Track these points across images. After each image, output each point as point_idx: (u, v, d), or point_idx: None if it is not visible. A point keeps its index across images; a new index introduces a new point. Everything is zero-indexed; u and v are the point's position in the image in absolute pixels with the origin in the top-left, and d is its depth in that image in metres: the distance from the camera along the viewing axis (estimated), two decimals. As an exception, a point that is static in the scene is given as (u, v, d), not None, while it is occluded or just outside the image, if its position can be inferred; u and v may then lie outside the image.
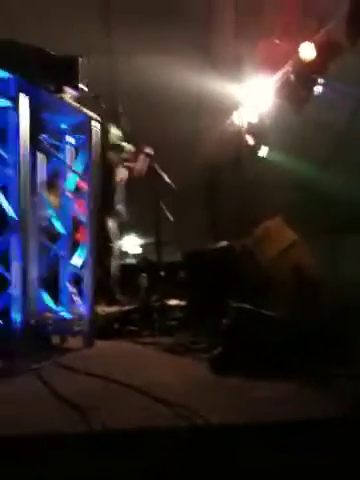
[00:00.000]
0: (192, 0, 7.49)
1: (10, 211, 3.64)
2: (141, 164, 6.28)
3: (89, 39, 6.80)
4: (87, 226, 4.36)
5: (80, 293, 4.33)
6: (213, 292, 4.81)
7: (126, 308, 5.36)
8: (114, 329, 4.77)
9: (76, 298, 4.32)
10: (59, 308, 4.31)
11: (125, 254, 7.76)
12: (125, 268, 6.83)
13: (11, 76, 3.60)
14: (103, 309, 5.30)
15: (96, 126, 4.35)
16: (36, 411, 2.56)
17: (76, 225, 4.56)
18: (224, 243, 5.45)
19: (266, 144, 8.11)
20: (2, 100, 3.66)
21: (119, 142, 6.39)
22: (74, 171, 4.42)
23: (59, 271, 4.39)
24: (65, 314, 4.31)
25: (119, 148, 6.38)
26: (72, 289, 4.35)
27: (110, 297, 6.07)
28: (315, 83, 6.62)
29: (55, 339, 4.20)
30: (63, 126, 4.41)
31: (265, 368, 3.08)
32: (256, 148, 8.13)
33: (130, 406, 2.63)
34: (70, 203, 4.43)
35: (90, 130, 4.29)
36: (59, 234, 4.38)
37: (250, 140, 8.12)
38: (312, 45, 6.26)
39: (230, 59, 7.81)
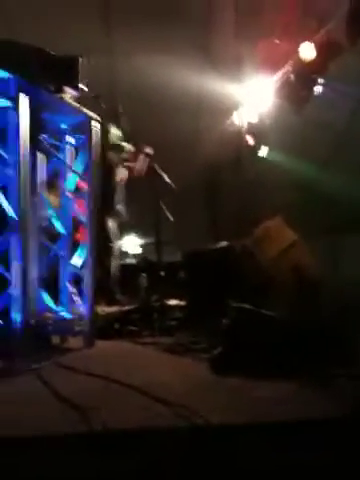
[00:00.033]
0: (192, 0, 7.49)
1: (10, 211, 3.64)
2: (141, 164, 6.27)
3: (89, 39, 6.79)
4: (87, 226, 4.36)
5: (80, 293, 4.33)
6: (213, 292, 4.81)
7: (126, 308, 5.36)
8: (114, 329, 4.77)
9: (76, 298, 4.32)
10: (59, 308, 4.32)
11: (125, 254, 7.76)
12: (125, 268, 6.83)
13: (11, 76, 3.60)
14: (103, 309, 5.30)
15: (96, 126, 4.35)
16: (36, 411, 2.56)
17: (76, 225, 4.56)
18: (224, 243, 5.45)
19: (266, 144, 8.11)
20: (2, 100, 3.66)
21: (119, 142, 6.39)
22: (74, 171, 4.42)
23: (59, 271, 4.39)
24: (65, 314, 4.31)
25: (119, 148, 6.38)
26: (72, 289, 4.35)
27: (110, 297, 6.07)
28: (315, 83, 6.62)
29: (55, 339, 4.20)
30: (63, 126, 4.41)
31: (265, 368, 3.08)
32: (256, 148, 8.12)
33: (130, 406, 2.63)
34: (70, 203, 4.43)
35: (90, 130, 4.29)
36: (59, 234, 4.38)
37: (250, 140, 8.12)
38: (312, 45, 6.26)
39: (230, 59, 7.81)
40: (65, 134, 4.41)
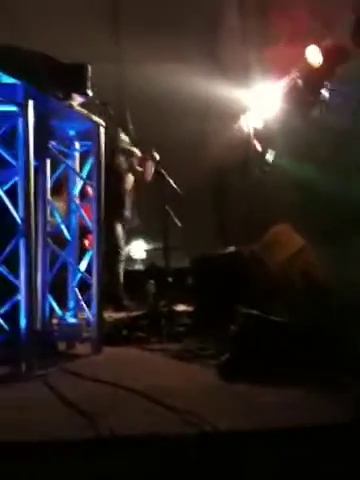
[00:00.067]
0: (200, 8, 7.54)
1: (17, 217, 3.65)
2: (149, 169, 6.28)
3: (98, 47, 6.86)
4: (94, 232, 4.35)
5: (88, 299, 4.32)
6: (221, 298, 4.79)
7: (134, 314, 5.34)
8: (122, 335, 4.75)
9: (84, 304, 4.32)
10: (66, 314, 4.31)
11: (133, 260, 7.75)
12: (133, 274, 6.82)
13: (19, 82, 3.62)
14: (111, 315, 5.30)
15: (104, 132, 4.35)
16: (43, 417, 2.56)
17: (84, 231, 4.56)
18: (232, 248, 5.44)
19: (273, 148, 8.10)
20: (9, 106, 3.67)
21: (128, 147, 6.40)
22: (81, 177, 4.42)
23: (66, 277, 4.39)
24: (72, 320, 4.31)
25: (129, 153, 6.39)
26: (80, 295, 4.35)
27: (118, 303, 6.06)
28: (322, 88, 6.62)
29: (61, 345, 4.20)
30: (71, 133, 4.42)
31: (273, 374, 3.07)
32: (263, 152, 8.12)
33: (138, 412, 2.63)
34: (77, 209, 4.44)
35: (98, 136, 4.30)
36: (66, 240, 4.38)
37: (257, 145, 8.12)
38: (319, 51, 6.27)
39: (238, 65, 7.83)
40: (73, 140, 4.42)
